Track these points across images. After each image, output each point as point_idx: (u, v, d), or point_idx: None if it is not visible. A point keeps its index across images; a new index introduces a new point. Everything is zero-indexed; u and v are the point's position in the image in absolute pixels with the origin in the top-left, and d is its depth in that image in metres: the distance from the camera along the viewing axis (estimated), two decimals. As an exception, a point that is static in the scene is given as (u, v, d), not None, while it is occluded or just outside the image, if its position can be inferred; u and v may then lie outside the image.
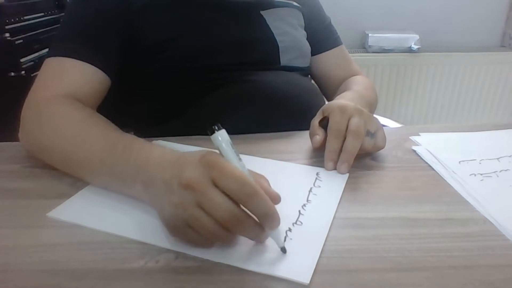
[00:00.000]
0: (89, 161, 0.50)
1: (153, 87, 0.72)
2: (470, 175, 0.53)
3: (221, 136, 0.38)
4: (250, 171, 0.40)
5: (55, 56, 0.63)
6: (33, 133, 0.57)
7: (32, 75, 1.31)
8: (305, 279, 0.35)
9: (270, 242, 0.39)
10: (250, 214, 0.36)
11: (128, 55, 0.69)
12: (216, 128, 0.38)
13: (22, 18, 1.35)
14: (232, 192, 0.35)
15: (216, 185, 0.36)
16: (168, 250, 0.39)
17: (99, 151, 0.49)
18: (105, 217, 0.44)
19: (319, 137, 0.57)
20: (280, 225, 0.37)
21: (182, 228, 0.38)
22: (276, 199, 0.39)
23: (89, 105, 0.60)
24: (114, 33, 0.68)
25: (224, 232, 0.36)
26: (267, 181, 0.41)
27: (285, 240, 0.40)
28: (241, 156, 0.38)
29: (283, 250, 0.38)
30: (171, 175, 0.39)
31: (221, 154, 0.38)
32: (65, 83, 0.61)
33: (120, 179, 0.46)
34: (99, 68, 0.64)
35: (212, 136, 0.38)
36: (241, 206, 0.36)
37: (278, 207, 0.37)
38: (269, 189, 0.39)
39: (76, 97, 0.60)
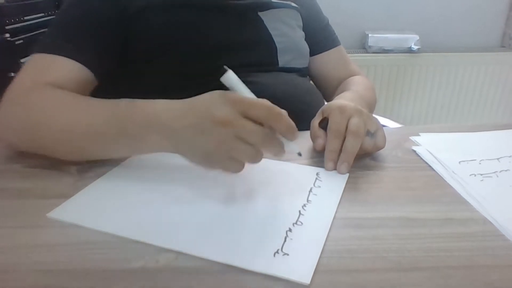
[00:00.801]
0: (94, 126, 0.51)
1: (152, 90, 0.71)
2: (470, 175, 0.53)
3: (232, 75, 0.44)
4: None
5: (40, 52, 0.63)
6: (22, 115, 0.56)
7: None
8: (306, 279, 0.35)
9: (270, 242, 0.39)
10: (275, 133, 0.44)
11: (126, 58, 0.69)
12: (225, 69, 0.43)
13: (22, 18, 1.35)
14: (262, 117, 0.42)
15: (246, 117, 0.42)
16: (168, 250, 0.39)
17: (102, 114, 0.51)
18: (105, 217, 0.44)
19: (321, 140, 0.57)
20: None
21: (222, 161, 0.44)
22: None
23: None
24: (106, 34, 0.67)
25: (260, 152, 0.44)
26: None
27: (285, 241, 0.40)
28: None
29: (300, 154, 0.49)
30: (197, 118, 0.44)
31: (233, 90, 0.44)
32: (50, 77, 0.60)
33: (130, 135, 0.48)
34: (85, 66, 0.63)
35: (224, 76, 0.43)
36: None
37: (277, 207, 0.37)
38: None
39: None
